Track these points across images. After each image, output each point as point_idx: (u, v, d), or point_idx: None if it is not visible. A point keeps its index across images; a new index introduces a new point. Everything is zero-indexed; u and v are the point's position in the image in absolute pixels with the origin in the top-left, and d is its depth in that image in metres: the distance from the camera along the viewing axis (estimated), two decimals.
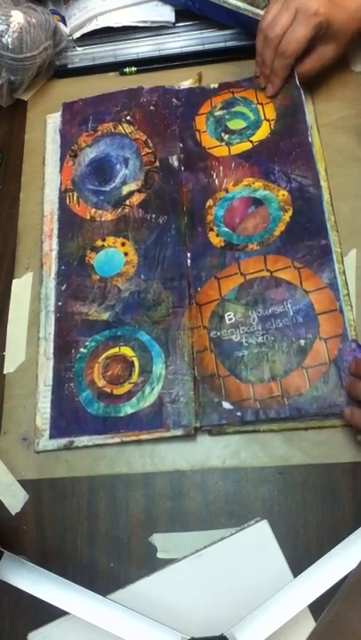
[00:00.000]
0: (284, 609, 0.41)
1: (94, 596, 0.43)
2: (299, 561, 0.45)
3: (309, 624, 0.43)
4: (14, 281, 0.59)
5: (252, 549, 0.46)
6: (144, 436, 0.50)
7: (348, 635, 0.36)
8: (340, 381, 0.49)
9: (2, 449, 0.53)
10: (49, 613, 0.45)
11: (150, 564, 0.47)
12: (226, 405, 0.50)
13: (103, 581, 0.47)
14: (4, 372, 0.55)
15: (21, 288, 0.59)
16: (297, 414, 0.49)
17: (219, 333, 0.53)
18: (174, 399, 0.51)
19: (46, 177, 0.64)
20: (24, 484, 0.51)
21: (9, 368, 0.56)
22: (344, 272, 0.54)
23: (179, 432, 0.50)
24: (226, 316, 0.53)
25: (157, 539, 0.48)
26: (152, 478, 0.50)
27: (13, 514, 0.50)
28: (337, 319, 0.51)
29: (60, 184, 0.63)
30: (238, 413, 0.49)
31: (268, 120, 0.61)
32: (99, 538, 0.49)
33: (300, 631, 0.43)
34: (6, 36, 0.60)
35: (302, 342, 0.51)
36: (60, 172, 0.64)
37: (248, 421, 0.49)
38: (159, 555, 0.48)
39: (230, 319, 0.53)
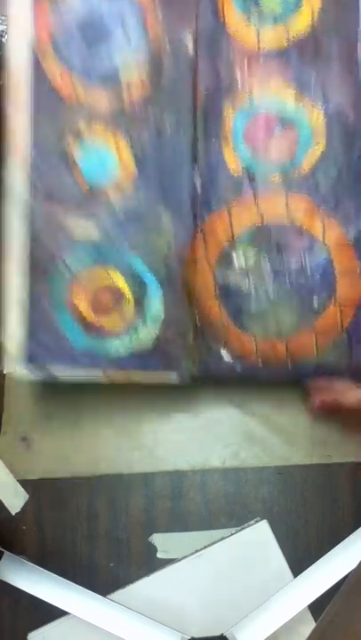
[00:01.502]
0: (284, 609, 0.41)
1: (94, 596, 0.43)
2: (299, 561, 0.45)
3: (309, 624, 0.43)
4: None
5: (252, 549, 0.47)
6: (136, 377, 0.46)
7: (349, 635, 0.36)
8: (349, 350, 0.45)
9: (2, 449, 0.52)
10: (49, 613, 0.45)
11: (150, 564, 0.47)
12: (226, 357, 0.46)
13: (103, 581, 0.47)
14: (4, 371, 0.55)
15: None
16: (299, 378, 0.46)
17: (226, 277, 0.46)
18: (171, 341, 0.46)
19: (10, 21, 0.45)
20: (24, 484, 0.51)
21: (9, 368, 0.55)
22: None
23: (173, 376, 0.46)
24: (236, 258, 0.46)
25: (157, 539, 0.48)
26: (152, 478, 0.50)
27: (13, 514, 0.50)
28: (357, 285, 0.46)
29: (34, 36, 0.45)
30: (238, 368, 0.46)
31: (310, 5, 0.46)
32: (99, 538, 0.49)
33: (300, 631, 0.43)
34: None
35: (316, 303, 0.46)
36: (34, 18, 0.45)
37: (247, 377, 0.47)
38: (159, 555, 0.48)
39: (240, 263, 0.46)
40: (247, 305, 0.46)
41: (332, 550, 0.42)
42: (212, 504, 0.49)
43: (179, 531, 0.48)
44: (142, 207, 0.46)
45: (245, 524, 0.47)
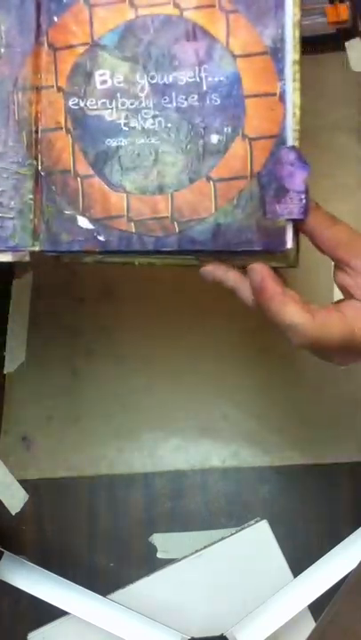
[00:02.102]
0: (284, 609, 0.41)
1: (94, 595, 0.43)
2: (299, 561, 0.45)
3: (309, 624, 0.43)
4: (14, 281, 0.59)
5: (252, 549, 0.46)
6: None
7: (349, 635, 0.36)
8: (261, 208, 0.33)
9: (2, 449, 0.52)
10: (49, 613, 0.45)
11: (150, 563, 0.47)
12: (83, 223, 0.34)
13: (103, 581, 0.47)
14: (4, 371, 0.55)
15: (21, 288, 0.59)
16: (190, 248, 0.34)
17: (82, 103, 0.34)
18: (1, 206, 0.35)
19: None
20: (24, 484, 0.51)
21: (9, 368, 0.56)
22: (295, 24, 0.33)
23: (8, 257, 0.35)
24: (97, 74, 0.34)
25: (157, 539, 0.48)
26: (152, 478, 0.50)
27: (13, 514, 0.50)
28: (275, 109, 0.33)
29: None
30: (101, 237, 0.34)
31: None
32: (99, 538, 0.49)
33: (300, 631, 0.43)
34: None
35: (215, 138, 0.33)
36: None
37: (114, 251, 0.34)
38: (159, 555, 0.48)
39: (104, 81, 0.34)
40: (114, 143, 0.34)
41: (332, 550, 0.42)
42: (212, 504, 0.49)
43: (179, 531, 0.48)
44: None
45: (245, 524, 0.47)
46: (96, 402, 0.53)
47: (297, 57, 0.33)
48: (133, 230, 0.34)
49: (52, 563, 0.48)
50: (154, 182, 0.34)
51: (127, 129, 0.34)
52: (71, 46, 0.34)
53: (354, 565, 0.41)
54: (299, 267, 0.35)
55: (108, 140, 0.34)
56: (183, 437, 0.51)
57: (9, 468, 0.52)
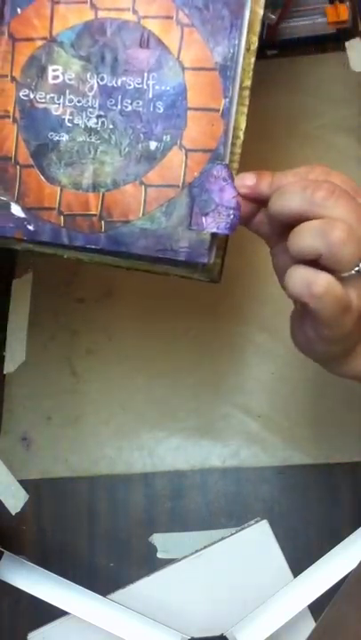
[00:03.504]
0: (284, 609, 0.41)
1: (94, 595, 0.43)
2: (299, 561, 0.45)
3: (309, 624, 0.43)
4: (14, 281, 0.59)
5: (252, 549, 0.46)
6: None
7: (349, 635, 0.36)
8: (188, 218, 0.34)
9: (2, 449, 0.53)
10: (49, 613, 0.45)
11: (150, 563, 0.47)
12: (15, 210, 0.35)
13: (103, 581, 0.47)
14: (4, 371, 0.55)
15: (21, 288, 0.59)
16: (114, 249, 0.35)
17: (32, 95, 0.35)
18: None
19: None
20: (24, 484, 0.51)
21: (9, 368, 0.56)
22: (250, 50, 0.34)
23: None
24: (51, 69, 0.35)
25: (157, 539, 0.48)
26: (152, 478, 0.50)
27: (13, 514, 0.50)
28: (215, 124, 0.34)
29: None
30: (31, 227, 0.35)
31: None
32: (99, 538, 0.49)
33: (300, 631, 0.43)
34: None
35: (153, 144, 0.34)
36: None
37: (42, 242, 0.35)
38: (159, 555, 0.48)
39: (56, 77, 0.35)
40: (56, 137, 0.35)
41: (332, 550, 0.42)
42: (212, 504, 0.49)
43: (179, 531, 0.48)
44: None
45: (245, 524, 0.47)
46: (96, 402, 0.53)
47: (248, 83, 0.34)
48: (62, 224, 0.35)
49: (52, 563, 0.48)
50: (89, 180, 0.35)
51: (71, 125, 0.35)
52: (30, 39, 0.35)
53: (354, 565, 0.41)
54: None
55: (51, 133, 0.35)
56: (183, 437, 0.51)
57: (9, 468, 0.52)
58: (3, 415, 0.54)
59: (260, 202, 0.33)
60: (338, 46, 0.61)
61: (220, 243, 0.35)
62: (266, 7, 0.55)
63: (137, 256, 0.35)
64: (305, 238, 0.30)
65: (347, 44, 0.61)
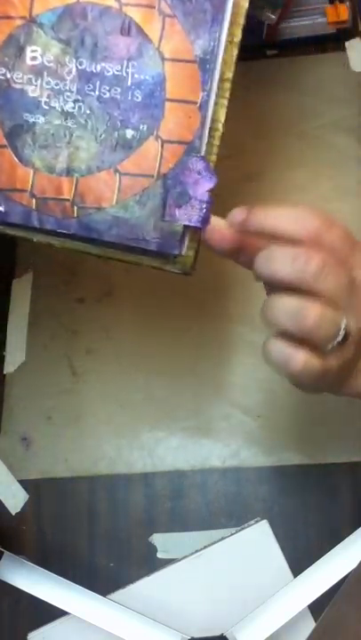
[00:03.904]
0: (284, 609, 0.41)
1: (94, 595, 0.43)
2: (299, 561, 0.45)
3: (309, 624, 0.43)
4: (14, 281, 0.59)
5: (252, 549, 0.46)
6: None
7: (349, 635, 0.36)
8: (161, 209, 0.34)
9: (2, 449, 0.52)
10: (49, 613, 0.45)
11: (150, 563, 0.47)
12: None
13: (103, 581, 0.47)
14: (4, 371, 0.55)
15: (21, 288, 0.59)
16: (86, 235, 0.35)
17: (9, 75, 0.34)
18: None
19: None
20: (24, 484, 0.51)
21: (9, 368, 0.56)
22: (233, 42, 0.34)
23: None
24: (29, 49, 0.34)
25: (157, 539, 0.48)
26: (152, 478, 0.50)
27: (13, 514, 0.50)
28: (192, 117, 0.34)
29: None
30: (1, 208, 0.35)
31: None
32: (99, 538, 0.49)
33: (300, 631, 0.43)
34: None
35: (129, 133, 0.34)
36: None
37: (12, 224, 0.35)
38: (159, 555, 0.48)
39: (34, 58, 0.34)
40: (31, 119, 0.34)
41: (332, 550, 0.42)
42: (212, 504, 0.49)
43: (179, 531, 0.48)
44: None
45: (245, 524, 0.47)
46: (96, 402, 0.53)
47: (230, 75, 0.34)
48: (34, 207, 0.34)
49: (52, 563, 0.48)
50: (63, 164, 0.34)
51: (47, 107, 0.34)
52: (9, 17, 0.34)
53: (354, 565, 0.41)
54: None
55: (27, 114, 0.34)
56: (183, 437, 0.51)
57: (9, 468, 0.52)
58: (3, 415, 0.54)
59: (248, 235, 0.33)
60: (338, 46, 0.61)
61: (192, 235, 0.35)
62: (266, 7, 0.55)
63: (109, 244, 0.35)
64: (278, 317, 0.30)
65: (347, 43, 0.61)
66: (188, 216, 0.34)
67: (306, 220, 0.31)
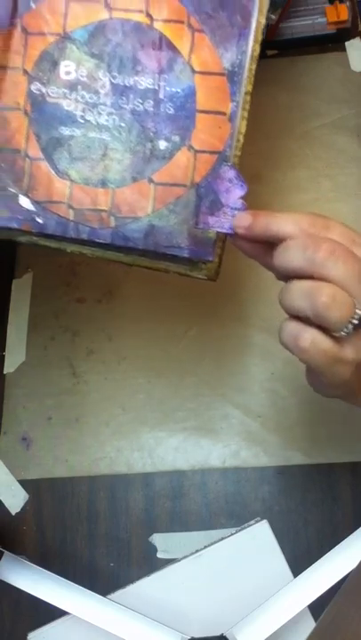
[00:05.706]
0: (284, 609, 0.41)
1: (94, 595, 0.43)
2: (299, 561, 0.45)
3: (309, 624, 0.43)
4: (14, 281, 0.59)
5: (252, 549, 0.46)
6: None
7: (349, 635, 0.36)
8: (194, 217, 0.35)
9: (2, 449, 0.53)
10: (49, 613, 0.45)
11: (150, 563, 0.47)
12: (24, 202, 0.35)
13: (103, 581, 0.47)
14: (4, 371, 0.55)
15: (21, 288, 0.59)
16: (122, 244, 0.35)
17: (44, 90, 0.35)
18: None
19: None
20: (24, 484, 0.51)
21: (9, 368, 0.56)
22: (252, 57, 0.35)
23: None
24: (63, 64, 0.35)
25: (157, 539, 0.48)
26: (152, 478, 0.50)
27: (13, 514, 0.50)
28: (222, 127, 0.35)
29: None
30: (39, 220, 0.35)
31: None
32: (99, 538, 0.49)
33: (300, 631, 0.43)
34: None
35: (162, 144, 0.35)
36: None
37: (50, 235, 0.36)
38: (159, 555, 0.48)
39: (68, 72, 0.35)
40: (67, 132, 0.35)
41: (332, 550, 0.42)
42: (212, 504, 0.49)
43: (179, 531, 0.48)
44: None
45: (245, 524, 0.47)
46: (96, 402, 0.53)
47: (249, 88, 0.35)
48: (71, 218, 0.35)
49: (52, 563, 0.48)
50: (98, 175, 0.35)
51: (82, 121, 0.35)
52: (43, 34, 0.35)
53: (354, 565, 0.41)
54: None
55: (62, 128, 0.35)
56: (183, 437, 0.51)
57: (9, 467, 0.52)
58: (3, 415, 0.54)
59: (256, 240, 0.34)
60: (338, 46, 0.61)
61: (219, 242, 0.36)
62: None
63: (140, 252, 0.36)
64: (294, 299, 0.31)
65: (347, 44, 0.61)
66: (220, 223, 0.35)
67: (304, 221, 0.32)
